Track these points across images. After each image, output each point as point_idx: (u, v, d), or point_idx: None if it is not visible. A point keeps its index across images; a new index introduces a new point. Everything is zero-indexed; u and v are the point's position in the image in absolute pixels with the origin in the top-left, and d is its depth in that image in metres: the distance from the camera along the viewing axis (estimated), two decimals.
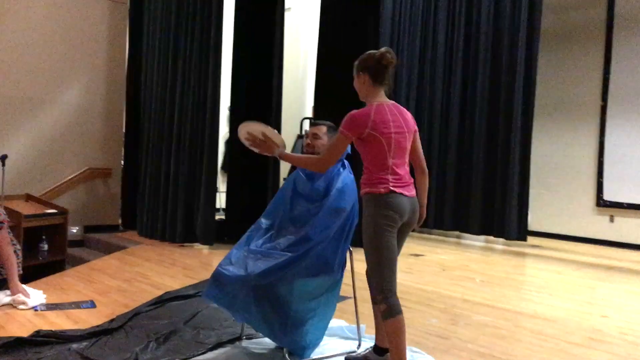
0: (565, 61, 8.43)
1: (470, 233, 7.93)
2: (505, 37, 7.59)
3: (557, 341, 3.50)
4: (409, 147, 2.80)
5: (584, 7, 8.30)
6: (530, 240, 7.56)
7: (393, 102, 2.83)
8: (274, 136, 3.00)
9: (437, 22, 8.32)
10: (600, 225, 8.01)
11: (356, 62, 2.83)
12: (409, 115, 2.84)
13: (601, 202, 8.01)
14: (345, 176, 3.08)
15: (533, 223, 7.80)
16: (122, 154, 7.69)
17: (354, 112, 2.70)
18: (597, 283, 5.54)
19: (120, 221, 7.64)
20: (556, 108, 8.47)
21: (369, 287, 2.88)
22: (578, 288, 5.24)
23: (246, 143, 3.05)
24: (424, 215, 2.91)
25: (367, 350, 3.06)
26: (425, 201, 2.92)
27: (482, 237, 7.98)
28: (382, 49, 2.77)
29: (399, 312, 2.66)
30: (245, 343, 3.30)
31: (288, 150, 7.68)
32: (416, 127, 2.88)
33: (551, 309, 4.31)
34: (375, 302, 2.79)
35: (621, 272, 6.05)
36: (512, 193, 7.40)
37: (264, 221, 3.26)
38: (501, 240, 7.64)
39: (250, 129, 3.01)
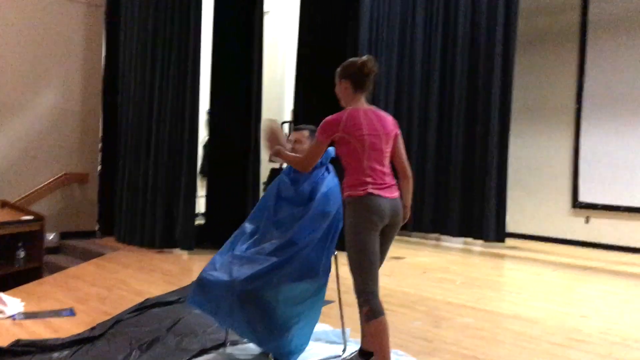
0: (540, 65, 8.55)
1: (449, 235, 7.99)
2: (482, 41, 7.68)
3: (539, 342, 3.54)
4: (386, 150, 2.84)
5: (559, 11, 8.43)
6: (508, 241, 7.65)
7: (372, 107, 2.89)
8: (278, 132, 3.09)
9: (415, 25, 8.38)
10: (576, 226, 8.13)
11: (338, 69, 2.91)
12: (388, 120, 2.89)
13: (577, 204, 8.13)
14: (330, 180, 3.10)
15: (510, 225, 7.88)
16: (99, 158, 7.58)
17: (328, 117, 2.80)
18: (575, 283, 5.62)
19: (97, 227, 7.53)
20: (532, 111, 8.58)
21: None
22: (556, 289, 5.31)
23: (266, 144, 3.14)
24: (407, 217, 2.94)
25: (353, 354, 3.06)
26: (408, 203, 2.96)
27: (461, 239, 8.05)
28: (364, 57, 2.83)
29: (381, 313, 2.69)
30: (229, 349, 3.27)
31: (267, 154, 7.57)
32: (398, 132, 2.92)
33: (531, 309, 4.36)
34: (358, 304, 2.80)
35: (597, 272, 6.15)
36: (490, 195, 7.48)
37: (248, 226, 3.26)
38: (479, 241, 7.72)
39: (265, 125, 3.16)
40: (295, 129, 3.31)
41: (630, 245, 7.58)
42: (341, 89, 2.87)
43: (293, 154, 3.04)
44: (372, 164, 2.76)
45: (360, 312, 2.76)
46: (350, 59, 2.89)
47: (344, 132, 2.73)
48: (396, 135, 2.90)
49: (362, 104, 2.85)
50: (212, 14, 6.95)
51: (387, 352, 2.68)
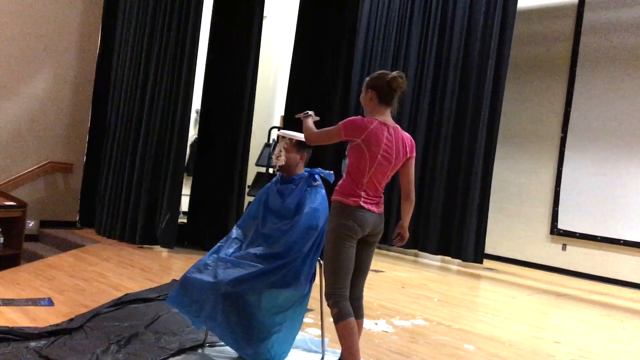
0: (529, 92, 8.70)
1: (428, 252, 8.06)
2: (474, 66, 7.80)
3: None
4: (390, 174, 2.88)
5: (551, 41, 8.59)
6: (485, 263, 7.73)
7: (396, 125, 2.90)
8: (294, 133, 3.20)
9: (409, 46, 8.49)
10: (553, 253, 8.26)
11: (367, 78, 2.94)
12: (406, 142, 2.89)
13: (555, 231, 8.26)
14: (319, 193, 3.12)
15: (488, 247, 7.99)
16: (86, 149, 7.53)
17: (359, 117, 2.81)
18: (549, 309, 5.71)
19: (77, 218, 7.48)
20: (518, 136, 8.72)
21: None
22: (531, 313, 5.39)
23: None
24: (406, 236, 2.99)
25: None
26: (406, 224, 2.99)
27: (439, 257, 8.12)
28: (395, 73, 2.88)
29: (350, 314, 2.76)
30: (207, 350, 3.27)
31: (254, 157, 7.58)
32: (413, 154, 2.93)
33: (506, 332, 4.42)
34: (328, 306, 2.84)
35: (571, 299, 6.25)
36: (472, 216, 7.58)
37: (235, 232, 3.28)
38: (457, 260, 7.79)
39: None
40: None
41: (604, 275, 7.73)
42: (366, 98, 2.90)
43: (312, 125, 3.04)
44: (372, 181, 2.81)
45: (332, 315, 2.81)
46: (382, 71, 2.95)
47: (363, 141, 2.74)
48: (409, 159, 2.91)
49: (388, 118, 2.87)
50: (212, 14, 6.97)
51: (355, 352, 2.73)
